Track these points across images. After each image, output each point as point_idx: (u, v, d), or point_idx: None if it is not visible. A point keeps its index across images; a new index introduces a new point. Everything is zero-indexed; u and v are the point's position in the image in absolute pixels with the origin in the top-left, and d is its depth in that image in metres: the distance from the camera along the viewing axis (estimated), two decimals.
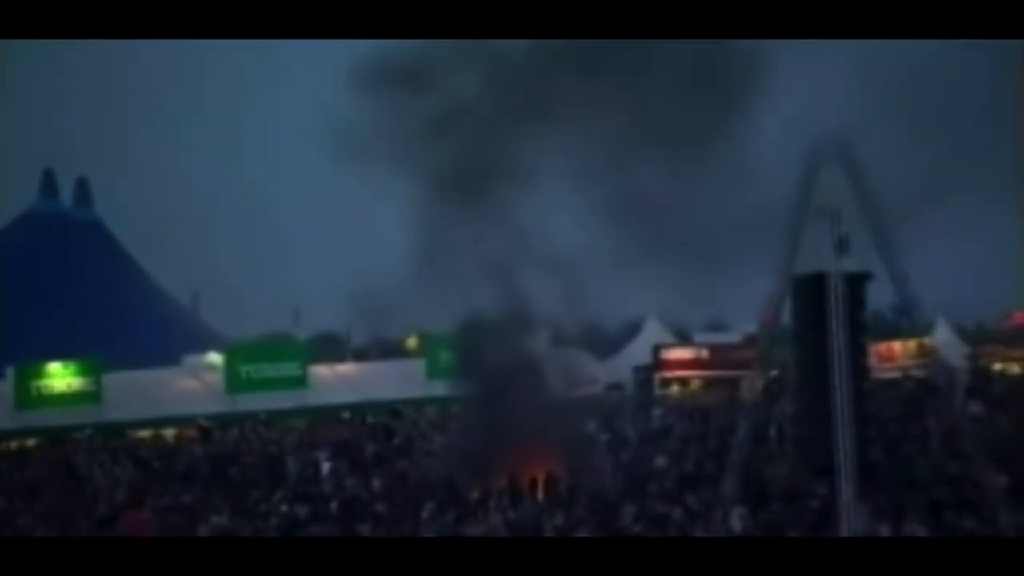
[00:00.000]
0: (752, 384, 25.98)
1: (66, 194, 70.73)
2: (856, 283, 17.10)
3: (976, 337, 58.51)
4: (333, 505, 27.20)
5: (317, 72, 39.80)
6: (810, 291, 17.12)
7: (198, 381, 47.01)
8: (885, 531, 21.83)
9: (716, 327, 60.24)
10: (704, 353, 48.76)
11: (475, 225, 30.40)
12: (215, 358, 49.05)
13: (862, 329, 17.78)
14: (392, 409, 42.77)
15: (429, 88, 30.60)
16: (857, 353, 17.26)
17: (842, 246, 16.90)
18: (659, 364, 48.28)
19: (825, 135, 17.88)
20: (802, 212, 17.21)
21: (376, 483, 28.82)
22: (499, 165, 30.32)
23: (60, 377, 43.50)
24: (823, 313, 16.98)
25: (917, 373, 40.70)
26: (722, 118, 27.16)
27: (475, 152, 30.37)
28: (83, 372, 43.92)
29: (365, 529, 24.77)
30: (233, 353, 48.99)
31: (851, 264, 17.22)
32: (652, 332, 53.71)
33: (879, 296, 20.34)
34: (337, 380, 47.82)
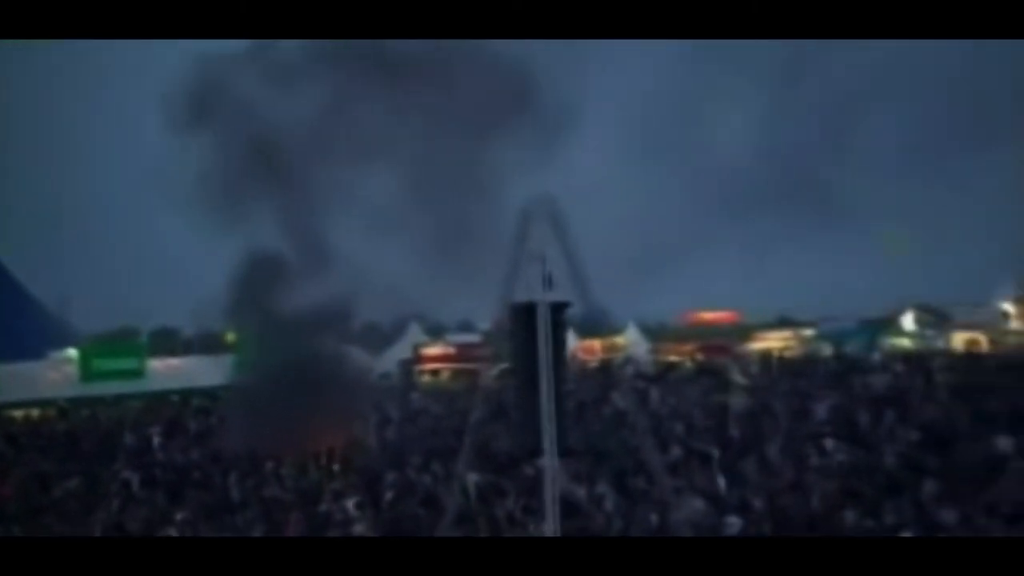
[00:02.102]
0: (487, 374, 25.94)
1: None
2: (558, 309, 17.06)
3: (656, 334, 59.25)
4: (159, 472, 26.53)
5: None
6: (523, 316, 17.00)
7: (58, 372, 46.76)
8: (582, 493, 21.95)
9: (465, 327, 60.18)
10: (452, 350, 48.98)
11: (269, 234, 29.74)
12: (72, 353, 48.78)
13: (562, 344, 17.84)
14: (212, 394, 41.75)
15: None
16: (558, 360, 17.22)
17: (548, 282, 16.96)
18: (418, 359, 48.50)
19: (536, 196, 17.71)
20: (517, 255, 17.03)
21: (195, 454, 28.12)
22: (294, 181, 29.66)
23: None
24: (533, 333, 16.94)
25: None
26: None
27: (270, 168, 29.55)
28: None
29: (193, 494, 24.22)
30: (86, 349, 49.00)
31: (555, 296, 17.19)
32: (413, 333, 53.58)
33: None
34: (168, 370, 47.22)
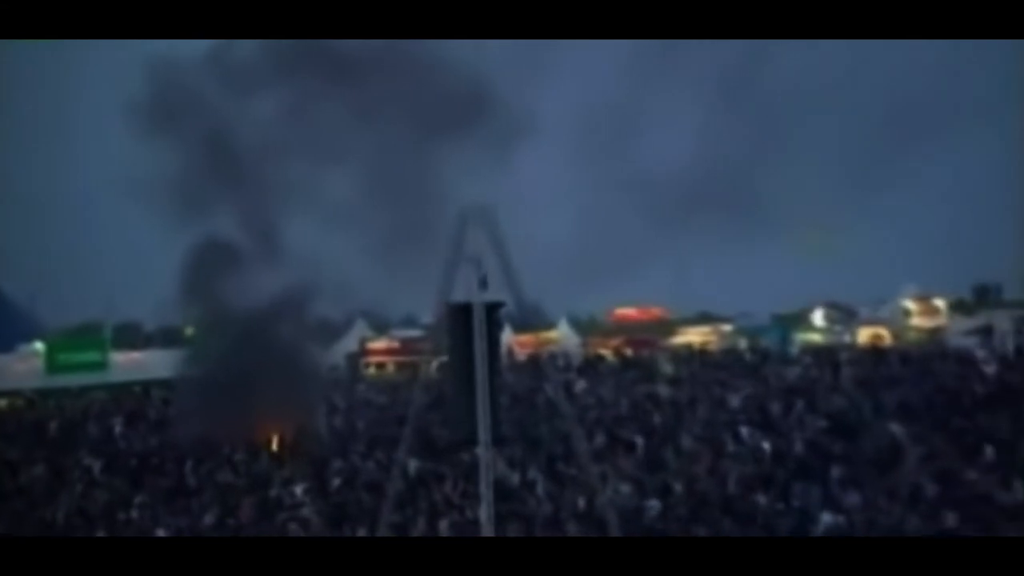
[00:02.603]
0: (428, 367, 25.81)
1: None
2: (492, 309, 17.07)
3: (586, 329, 59.28)
4: (120, 459, 26.23)
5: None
6: (460, 315, 17.00)
7: (25, 364, 46.55)
8: (515, 479, 21.96)
9: (409, 322, 59.88)
10: (396, 344, 48.82)
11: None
12: (39, 346, 48.24)
13: (496, 341, 17.86)
14: (171, 385, 41.26)
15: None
16: (493, 356, 17.24)
17: (483, 284, 16.98)
18: (364, 352, 48.30)
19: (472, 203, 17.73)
20: (454, 258, 17.04)
21: (154, 442, 27.75)
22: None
23: None
24: (469, 331, 16.94)
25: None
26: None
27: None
28: None
29: (151, 480, 24.00)
30: (52, 343, 48.49)
31: (490, 296, 17.22)
32: (360, 327, 53.25)
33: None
34: (130, 363, 46.68)
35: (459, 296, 17.30)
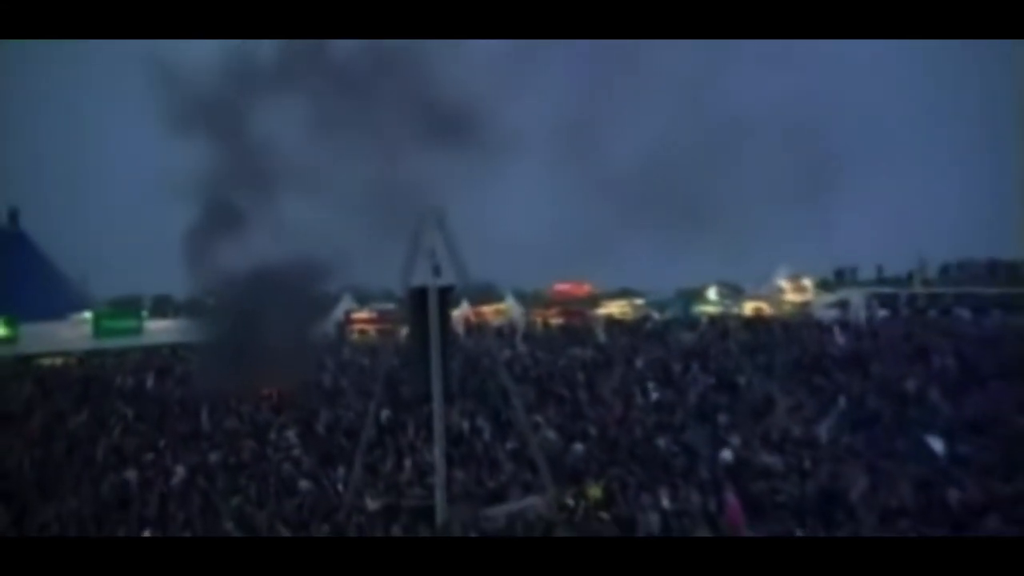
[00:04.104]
0: (400, 334, 25.61)
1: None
2: (444, 291, 16.90)
3: (530, 302, 59.06)
4: (151, 407, 25.67)
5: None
6: (417, 297, 16.81)
7: (77, 330, 45.68)
8: (466, 426, 21.74)
9: (387, 296, 59.34)
10: (375, 315, 48.40)
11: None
12: (87, 315, 47.61)
13: (447, 317, 17.75)
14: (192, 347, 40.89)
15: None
16: (444, 329, 17.11)
17: (436, 271, 16.83)
18: (349, 321, 47.84)
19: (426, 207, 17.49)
20: (413, 252, 16.81)
21: (178, 393, 27.27)
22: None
23: None
24: (425, 310, 16.79)
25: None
26: None
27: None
28: (5, 324, 42.59)
29: (172, 424, 23.55)
30: (98, 313, 48.01)
31: (442, 280, 17.03)
32: (347, 301, 52.71)
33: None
34: (161, 329, 45.91)
35: (418, 281, 17.21)
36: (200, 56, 25.92)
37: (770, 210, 28.77)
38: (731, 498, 16.66)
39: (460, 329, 27.08)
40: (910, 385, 23.17)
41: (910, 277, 52.51)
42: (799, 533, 15.27)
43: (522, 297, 58.37)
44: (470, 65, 26.35)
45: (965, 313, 39.09)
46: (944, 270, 61.96)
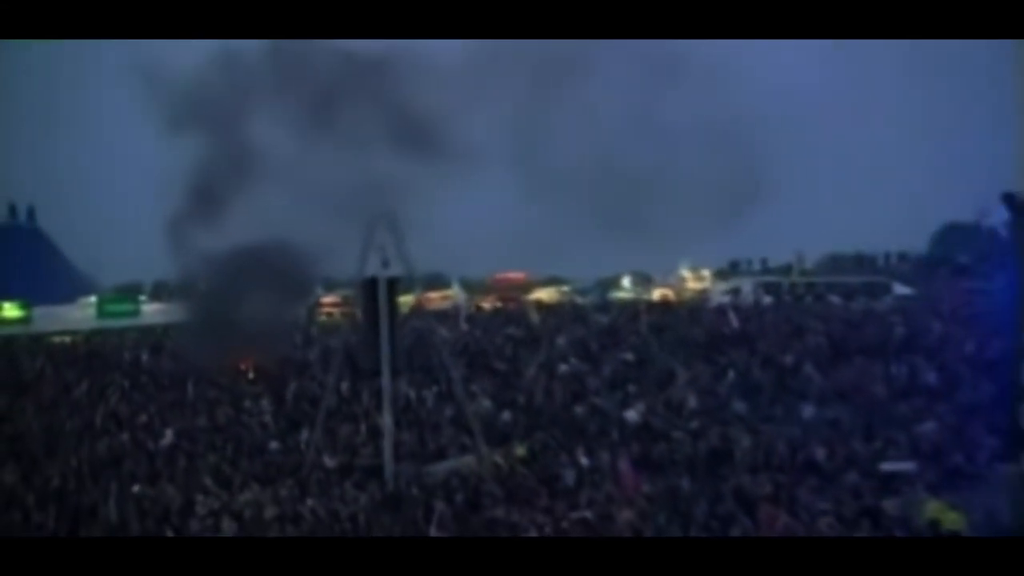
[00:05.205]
0: (357, 317, 25.14)
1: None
2: (392, 282, 16.77)
3: (474, 288, 58.38)
4: (144, 379, 24.95)
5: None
6: (369, 286, 16.68)
7: (83, 311, 45.64)
8: (412, 395, 21.48)
9: (350, 284, 57.88)
10: (339, 299, 47.52)
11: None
12: (92, 299, 47.76)
13: (395, 305, 17.67)
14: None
15: None
16: (392, 315, 16.94)
17: (385, 264, 16.73)
18: (318, 304, 46.94)
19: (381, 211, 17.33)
20: (366, 246, 16.63)
21: (168, 366, 26.57)
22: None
23: (10, 311, 42.30)
24: (375, 298, 16.64)
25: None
26: None
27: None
28: (21, 307, 42.57)
29: (162, 394, 22.95)
30: (101, 297, 48.20)
31: (392, 272, 16.87)
32: (316, 287, 51.56)
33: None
34: (156, 311, 44.89)
35: (369, 272, 17.10)
36: (189, 57, 24.83)
37: (681, 211, 28.58)
38: (625, 465, 16.56)
39: (408, 312, 26.57)
40: (788, 360, 23.62)
41: (790, 268, 53.04)
42: (686, 486, 15.39)
43: (467, 285, 57.92)
44: (434, 77, 25.73)
45: (835, 299, 39.74)
46: (820, 263, 62.98)
